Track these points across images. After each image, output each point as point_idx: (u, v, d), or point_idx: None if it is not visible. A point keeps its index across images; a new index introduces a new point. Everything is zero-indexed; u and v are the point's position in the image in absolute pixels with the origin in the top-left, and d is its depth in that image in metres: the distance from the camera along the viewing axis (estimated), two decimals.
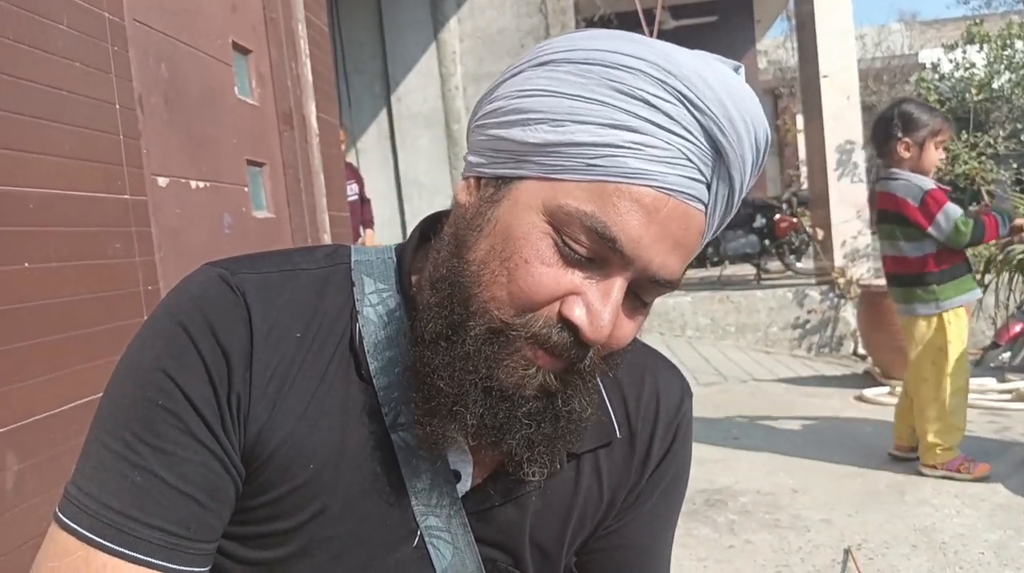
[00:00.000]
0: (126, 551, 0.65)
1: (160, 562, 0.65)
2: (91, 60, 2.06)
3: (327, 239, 3.59)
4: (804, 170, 9.34)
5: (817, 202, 7.06)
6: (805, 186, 9.08)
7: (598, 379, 0.72)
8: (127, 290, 2.12)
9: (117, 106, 2.16)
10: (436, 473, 0.71)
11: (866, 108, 8.06)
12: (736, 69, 0.68)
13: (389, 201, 6.54)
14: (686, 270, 0.69)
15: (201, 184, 2.76)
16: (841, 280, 6.53)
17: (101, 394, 1.90)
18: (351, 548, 0.71)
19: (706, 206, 0.65)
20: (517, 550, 0.77)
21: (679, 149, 0.62)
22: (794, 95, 10.80)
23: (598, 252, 0.63)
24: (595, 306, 0.64)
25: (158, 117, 2.48)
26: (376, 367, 0.71)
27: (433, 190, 6.38)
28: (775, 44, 12.87)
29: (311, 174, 3.63)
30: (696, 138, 0.62)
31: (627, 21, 5.85)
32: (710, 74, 0.63)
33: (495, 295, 0.64)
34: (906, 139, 3.20)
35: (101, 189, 2.06)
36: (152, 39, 2.50)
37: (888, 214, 3.29)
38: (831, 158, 6.69)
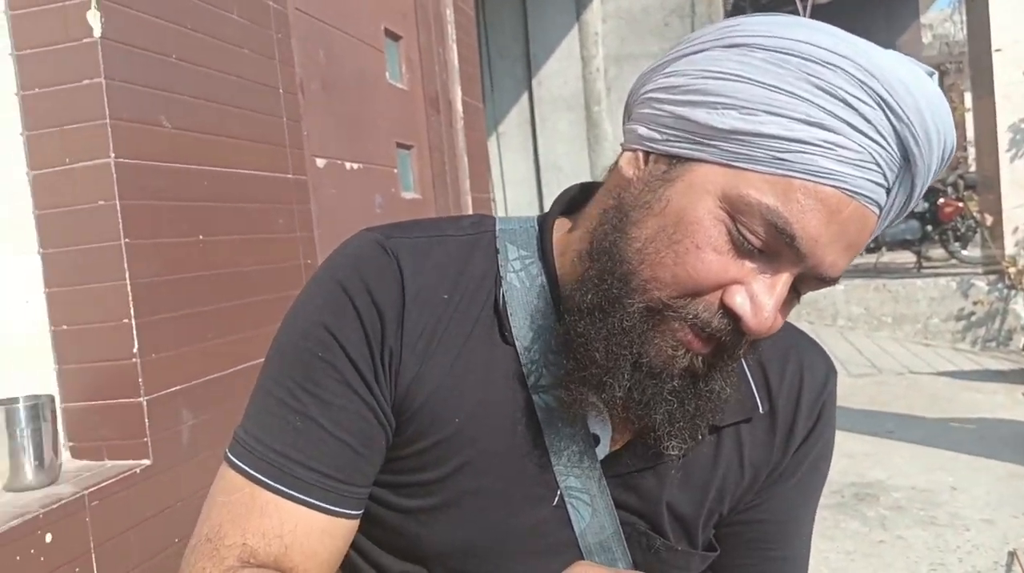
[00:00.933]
0: (287, 490, 0.69)
1: (316, 501, 0.69)
2: (258, 47, 2.20)
3: None
4: (972, 151, 8.68)
5: (986, 185, 6.54)
6: (973, 168, 8.44)
7: (720, 387, 0.71)
8: (289, 263, 2.26)
9: (281, 91, 2.30)
10: (576, 435, 0.73)
11: None
12: (931, 75, 0.66)
13: (528, 185, 6.61)
14: None
15: (355, 166, 2.90)
16: (1012, 270, 6.04)
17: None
18: (494, 502, 0.73)
19: (881, 209, 0.64)
20: (655, 517, 0.77)
21: (871, 153, 0.61)
22: (962, 71, 10.05)
23: (771, 246, 0.62)
24: (760, 298, 0.63)
25: (317, 101, 2.63)
26: (519, 330, 0.73)
27: (572, 174, 6.39)
28: (941, 17, 12.01)
29: (455, 156, 3.73)
30: (889, 144, 0.61)
31: None
32: (911, 80, 0.61)
33: (657, 275, 0.64)
34: None
35: (267, 168, 2.20)
36: (312, 27, 2.65)
37: None
38: (1003, 138, 6.18)
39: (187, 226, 1.88)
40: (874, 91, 0.60)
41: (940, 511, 2.83)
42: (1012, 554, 2.46)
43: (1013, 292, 6.03)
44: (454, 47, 3.72)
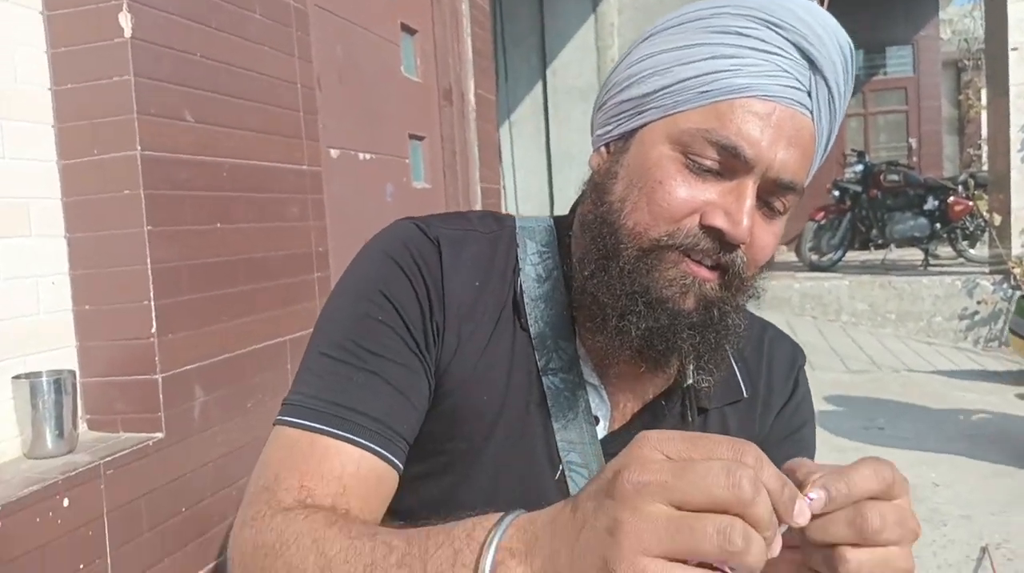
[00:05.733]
0: (350, 436, 0.72)
1: (377, 448, 0.73)
2: (278, 44, 2.31)
3: (479, 208, 3.78)
4: (985, 150, 8.67)
5: (997, 185, 6.55)
6: (985, 167, 8.42)
7: (734, 322, 0.78)
8: (302, 250, 2.38)
9: (299, 85, 2.40)
10: (579, 415, 0.82)
11: None
12: None
13: (538, 174, 6.69)
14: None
15: (367, 156, 3.01)
16: (1017, 270, 6.07)
17: (280, 339, 2.16)
18: (507, 474, 0.82)
19: (811, 110, 0.74)
20: None
21: (775, 64, 0.72)
22: (980, 68, 10.00)
23: (724, 163, 0.72)
24: (732, 208, 0.72)
25: (333, 94, 2.73)
26: (533, 317, 0.82)
27: (583, 164, 6.33)
28: (961, 13, 11.91)
29: (466, 147, 3.83)
30: (787, 52, 0.72)
31: None
32: (784, 1, 0.74)
33: (639, 219, 0.74)
34: None
35: (283, 160, 2.31)
36: (331, 23, 2.74)
37: None
38: (1016, 138, 6.18)
39: (206, 215, 2.00)
40: (757, 18, 0.73)
41: (920, 506, 2.92)
42: (984, 549, 2.55)
43: (1018, 293, 6.06)
44: (468, 40, 3.81)
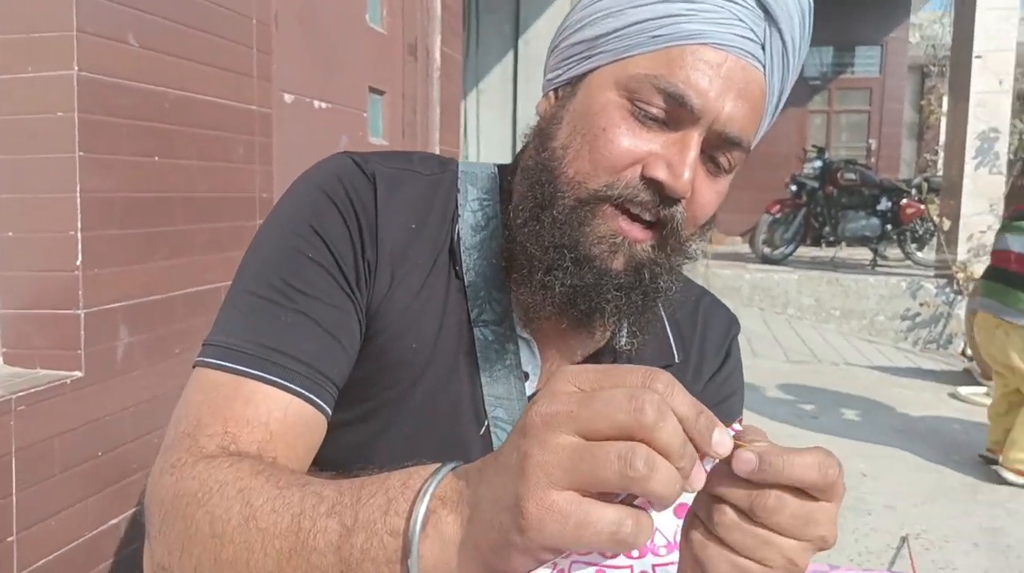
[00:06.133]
0: (276, 379, 0.69)
1: (306, 393, 0.69)
2: None
3: None
4: (942, 156, 8.83)
5: (949, 190, 6.69)
6: (940, 173, 8.59)
7: (665, 285, 0.75)
8: (245, 194, 2.30)
9: (254, 20, 2.31)
10: (508, 369, 0.79)
11: (1019, 96, 7.52)
12: None
13: (503, 146, 6.61)
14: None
15: (323, 105, 2.92)
16: (961, 275, 6.22)
17: (215, 285, 2.06)
18: (431, 427, 0.78)
19: (764, 65, 0.71)
20: None
21: (730, 12, 0.69)
22: (944, 75, 10.16)
23: (670, 112, 0.69)
24: (674, 159, 0.69)
25: (291, 35, 2.63)
26: (467, 265, 0.79)
27: None
28: (931, 18, 12.07)
29: (428, 107, 3.75)
30: (744, 1, 0.70)
31: None
32: None
33: (580, 168, 0.72)
34: None
35: (231, 97, 2.22)
36: None
37: None
38: (971, 145, 6.31)
39: (144, 146, 1.91)
40: None
41: (848, 494, 2.97)
42: (904, 539, 2.61)
43: (959, 297, 6.21)
44: None
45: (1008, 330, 3.15)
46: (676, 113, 0.69)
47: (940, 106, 10.21)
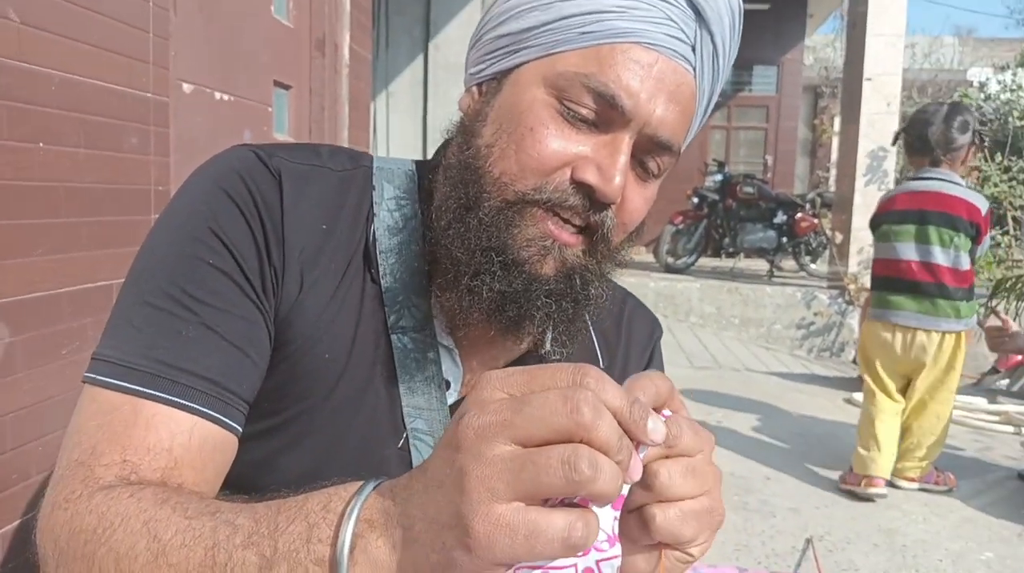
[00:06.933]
0: (180, 400, 0.63)
1: (213, 413, 0.64)
2: None
3: None
4: (834, 173, 9.24)
5: (841, 205, 7.01)
6: (832, 189, 8.99)
7: (596, 292, 0.72)
8: (138, 186, 2.15)
9: (151, 4, 2.17)
10: (428, 379, 0.73)
11: (904, 118, 7.96)
12: None
13: (413, 149, 6.54)
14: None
15: (225, 97, 2.78)
16: (852, 286, 6.51)
17: (104, 282, 1.91)
18: (345, 439, 0.72)
19: (694, 67, 0.69)
20: None
21: (662, 11, 0.67)
22: (835, 96, 10.66)
23: (600, 113, 0.67)
24: (604, 163, 0.66)
25: (191, 22, 2.50)
26: (384, 269, 0.73)
27: None
28: (824, 41, 12.67)
29: (336, 103, 3.64)
30: (675, 0, 0.68)
31: None
32: None
33: (506, 169, 0.67)
34: (973, 145, 2.99)
35: (124, 83, 2.08)
36: None
37: (941, 217, 2.95)
38: (862, 163, 6.63)
39: (26, 131, 1.76)
40: None
41: (752, 497, 3.04)
42: (808, 541, 2.67)
43: (851, 307, 6.49)
44: None
45: (916, 339, 3.02)
46: (606, 114, 0.66)
47: (832, 125, 10.71)
